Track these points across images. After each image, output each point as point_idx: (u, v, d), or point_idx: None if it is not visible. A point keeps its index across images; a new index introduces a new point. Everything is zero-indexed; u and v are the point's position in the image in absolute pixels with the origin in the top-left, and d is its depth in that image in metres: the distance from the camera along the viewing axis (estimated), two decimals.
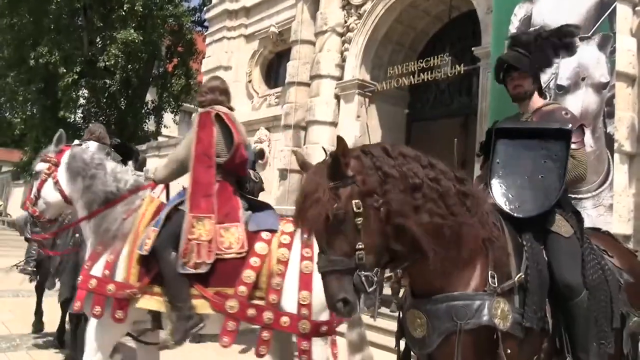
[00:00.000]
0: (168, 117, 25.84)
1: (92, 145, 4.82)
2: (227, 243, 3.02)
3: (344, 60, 9.46)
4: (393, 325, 6.87)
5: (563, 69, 5.85)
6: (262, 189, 5.89)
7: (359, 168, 2.07)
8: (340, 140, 2.03)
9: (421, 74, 8.19)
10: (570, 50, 2.96)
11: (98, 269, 3.11)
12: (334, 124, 9.38)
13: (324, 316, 2.94)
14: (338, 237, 2.00)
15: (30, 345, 5.37)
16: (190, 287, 2.98)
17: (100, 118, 23.54)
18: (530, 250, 2.36)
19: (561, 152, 2.49)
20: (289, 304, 2.94)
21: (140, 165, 6.66)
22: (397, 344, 2.50)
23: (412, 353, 2.44)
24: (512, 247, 2.33)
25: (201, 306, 2.97)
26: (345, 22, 9.51)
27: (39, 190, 3.40)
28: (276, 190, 10.28)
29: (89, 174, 3.28)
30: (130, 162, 6.13)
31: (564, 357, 2.35)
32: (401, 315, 2.42)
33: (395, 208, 2.05)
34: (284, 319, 2.93)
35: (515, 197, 2.49)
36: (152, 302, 3.03)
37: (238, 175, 3.31)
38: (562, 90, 5.83)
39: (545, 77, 5.88)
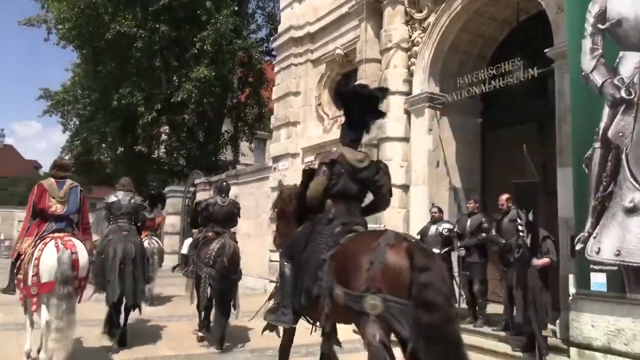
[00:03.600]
0: (244, 146, 26.72)
1: (120, 194, 7.41)
2: (24, 247, 5.43)
3: (411, 75, 9.43)
4: (475, 340, 6.69)
5: None
6: (231, 212, 7.72)
7: (281, 197, 5.17)
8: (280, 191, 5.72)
9: (492, 81, 8.00)
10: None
11: None
12: (405, 139, 9.32)
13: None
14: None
15: None
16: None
17: (181, 152, 24.78)
18: None
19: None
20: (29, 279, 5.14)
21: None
22: None
23: None
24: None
25: None
26: (410, 36, 9.49)
27: None
28: None
29: None
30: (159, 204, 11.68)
31: None
32: None
33: (280, 217, 5.02)
34: (26, 290, 5.23)
35: None
36: None
37: (50, 215, 5.54)
38: None
39: (628, 72, 5.60)
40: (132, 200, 7.37)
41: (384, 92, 4.30)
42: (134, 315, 7.47)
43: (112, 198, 7.41)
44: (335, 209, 4.01)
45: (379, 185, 4.15)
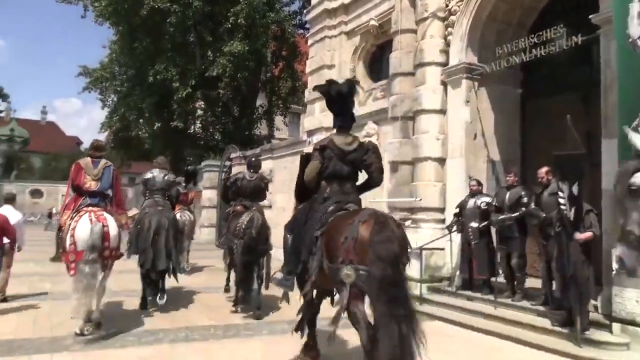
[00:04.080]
0: (278, 120, 26.75)
1: (156, 171, 7.96)
2: (64, 220, 6.10)
3: (448, 45, 9.19)
4: (514, 315, 6.65)
5: None
6: (258, 186, 7.95)
7: None
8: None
9: (533, 50, 7.72)
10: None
11: None
12: (442, 111, 9.15)
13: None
14: None
15: (172, 338, 5.89)
16: None
17: (217, 126, 25.00)
18: None
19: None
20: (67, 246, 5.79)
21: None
22: None
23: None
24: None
25: None
26: (447, 5, 9.22)
27: None
28: (387, 183, 10.23)
29: None
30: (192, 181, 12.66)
31: None
32: None
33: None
34: (65, 257, 5.84)
35: None
36: None
37: (86, 191, 6.16)
38: None
39: None
40: (166, 177, 7.96)
41: (356, 84, 4.94)
42: (173, 286, 8.00)
43: (147, 175, 8.03)
44: (330, 189, 4.52)
45: (367, 165, 4.61)
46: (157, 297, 7.52)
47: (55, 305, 7.31)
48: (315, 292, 4.62)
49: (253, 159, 8.37)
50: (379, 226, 3.70)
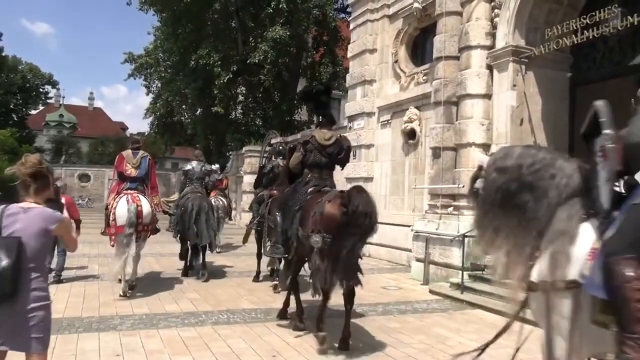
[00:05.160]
0: None
1: (194, 162, 9.53)
2: (109, 201, 7.33)
3: (494, 27, 8.90)
4: None
5: None
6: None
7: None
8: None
9: (585, 32, 7.39)
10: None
11: None
12: (487, 96, 8.90)
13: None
14: None
15: (214, 321, 5.99)
16: None
17: (258, 112, 25.16)
18: None
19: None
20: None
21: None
22: None
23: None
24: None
25: None
26: None
27: None
28: (429, 169, 10.09)
29: None
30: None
31: None
32: None
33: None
34: (108, 231, 7.25)
35: None
36: None
37: (127, 177, 7.50)
38: None
39: None
40: (203, 168, 9.53)
41: (329, 86, 6.37)
42: (215, 268, 8.60)
43: (187, 166, 9.60)
44: (311, 175, 5.59)
45: (341, 160, 5.76)
46: (200, 274, 8.60)
47: (103, 286, 7.56)
48: (296, 258, 5.58)
49: (281, 147, 8.86)
50: (343, 204, 4.69)
